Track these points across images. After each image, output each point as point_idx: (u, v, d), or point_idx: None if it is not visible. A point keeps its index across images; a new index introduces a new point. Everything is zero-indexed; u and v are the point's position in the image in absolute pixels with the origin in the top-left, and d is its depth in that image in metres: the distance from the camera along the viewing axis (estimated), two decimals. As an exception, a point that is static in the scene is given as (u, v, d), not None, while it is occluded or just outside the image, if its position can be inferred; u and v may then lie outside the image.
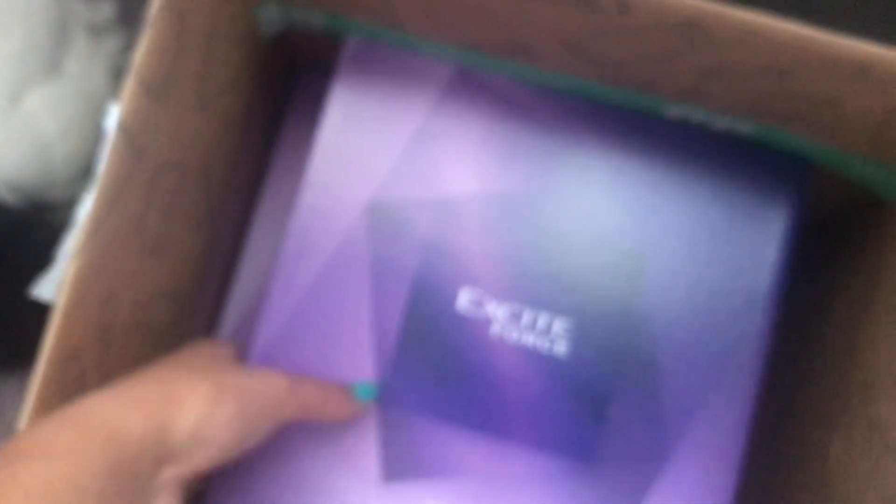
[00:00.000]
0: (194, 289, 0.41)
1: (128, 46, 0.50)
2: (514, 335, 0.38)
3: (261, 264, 0.48)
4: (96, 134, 0.46)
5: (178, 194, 0.36)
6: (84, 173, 0.45)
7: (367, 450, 0.38)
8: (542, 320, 0.38)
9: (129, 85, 0.29)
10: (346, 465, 0.38)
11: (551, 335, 0.38)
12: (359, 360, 0.38)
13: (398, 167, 0.39)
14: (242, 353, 0.37)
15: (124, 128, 0.29)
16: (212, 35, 0.34)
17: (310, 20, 0.40)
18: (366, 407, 0.37)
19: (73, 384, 0.31)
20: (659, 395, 0.38)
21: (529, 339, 0.38)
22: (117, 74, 0.48)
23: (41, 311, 0.47)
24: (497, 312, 0.38)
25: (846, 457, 0.37)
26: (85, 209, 0.30)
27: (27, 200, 0.45)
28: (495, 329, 0.39)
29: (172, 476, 0.27)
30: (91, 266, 0.30)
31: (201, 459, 0.28)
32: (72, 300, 0.29)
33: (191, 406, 0.28)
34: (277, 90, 0.47)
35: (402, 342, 0.38)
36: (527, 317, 0.38)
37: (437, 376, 0.38)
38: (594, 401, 0.38)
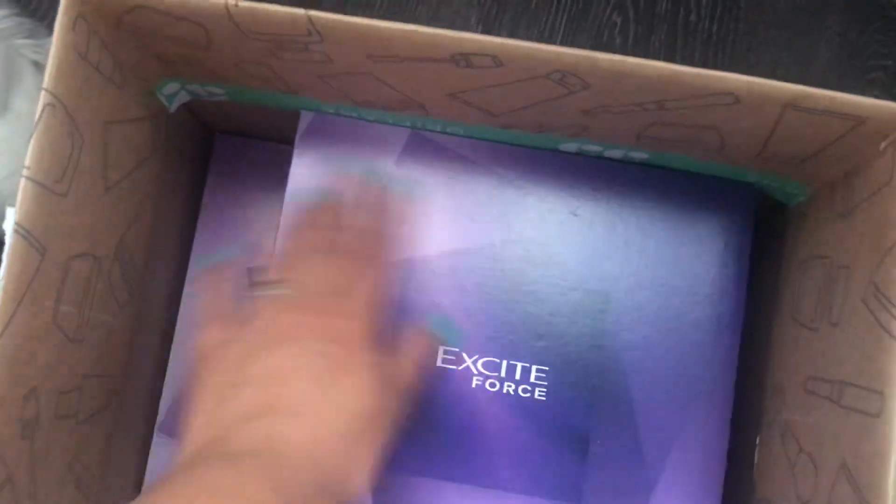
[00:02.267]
0: (124, 369, 0.42)
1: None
2: (493, 385, 0.39)
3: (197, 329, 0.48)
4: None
5: (93, 280, 0.36)
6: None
7: None
8: (520, 369, 0.39)
9: (24, 186, 0.30)
10: None
11: (529, 382, 0.39)
12: None
13: None
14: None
15: (21, 230, 0.30)
16: (108, 122, 0.35)
17: (210, 92, 0.41)
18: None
19: (0, 485, 0.31)
20: (637, 427, 0.39)
21: (510, 388, 0.39)
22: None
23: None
24: (475, 366, 0.40)
25: (767, 460, 0.38)
26: (-8, 312, 0.30)
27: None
28: (476, 381, 0.40)
29: None
30: (5, 366, 0.30)
31: None
32: (-12, 403, 0.29)
33: (353, 481, 0.29)
34: (194, 156, 0.48)
35: None
36: (505, 367, 0.40)
37: (422, 433, 0.39)
38: (576, 440, 0.39)
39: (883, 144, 0.31)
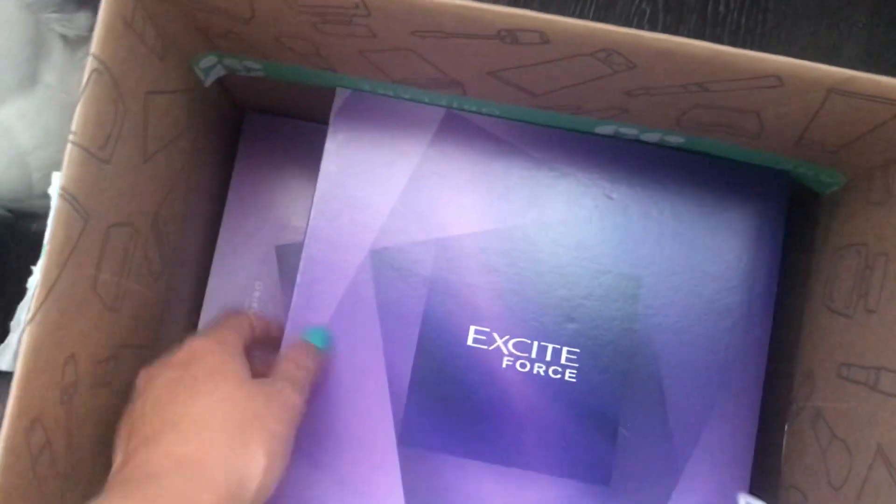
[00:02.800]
0: (157, 339, 0.42)
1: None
2: (524, 366, 0.39)
3: (224, 306, 0.48)
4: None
5: (131, 249, 0.36)
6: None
7: (391, 491, 0.39)
8: (551, 350, 0.39)
9: (69, 151, 0.30)
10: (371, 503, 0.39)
11: (560, 363, 0.40)
12: (374, 404, 0.39)
13: (397, 212, 0.40)
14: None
15: (66, 195, 0.30)
16: (149, 92, 0.35)
17: (247, 67, 0.41)
18: (326, 352, 0.39)
19: (38, 450, 0.31)
20: (667, 411, 0.39)
21: (540, 369, 0.39)
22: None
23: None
24: (506, 346, 0.40)
25: (797, 447, 0.38)
26: (35, 276, 0.30)
27: (7, 209, 0.45)
28: (506, 362, 0.39)
29: None
30: (46, 331, 0.30)
31: None
32: (28, 366, 0.30)
33: (253, 479, 0.31)
34: (225, 133, 0.48)
35: (415, 383, 0.39)
36: (535, 349, 0.39)
37: (453, 413, 0.39)
38: (606, 423, 0.39)
39: None
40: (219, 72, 0.42)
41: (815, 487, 0.35)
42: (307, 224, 0.40)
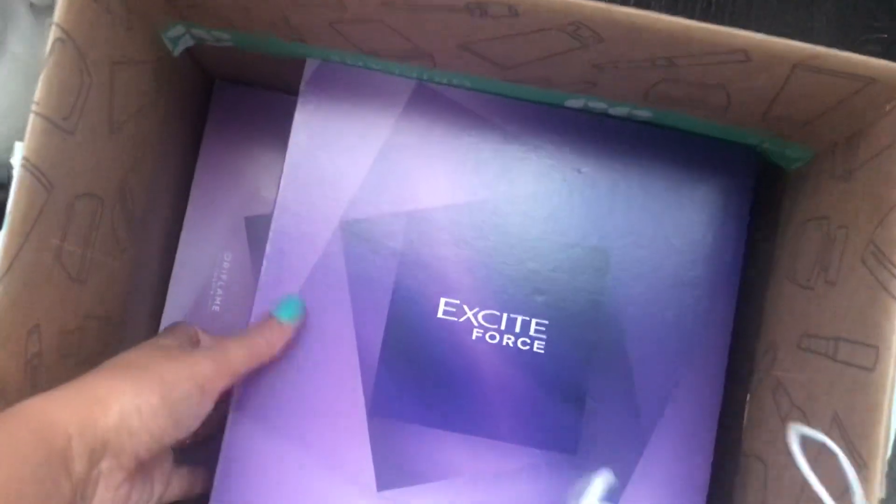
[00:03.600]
0: (124, 311, 0.42)
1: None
2: (493, 338, 0.40)
3: (193, 277, 0.48)
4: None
5: (97, 220, 0.36)
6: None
7: (361, 461, 0.39)
8: (520, 322, 0.40)
9: (32, 122, 0.30)
10: (342, 477, 0.39)
11: (529, 335, 0.40)
12: (345, 375, 0.39)
13: (368, 184, 0.40)
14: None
15: (28, 165, 0.29)
16: (116, 62, 0.35)
17: (215, 37, 0.40)
18: (294, 325, 0.39)
19: (4, 420, 0.31)
20: (633, 382, 0.40)
21: (509, 341, 0.40)
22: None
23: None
24: (476, 318, 0.40)
25: (758, 416, 0.39)
26: (-2, 247, 0.30)
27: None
28: (476, 333, 0.40)
29: (109, 466, 0.30)
30: (8, 301, 0.30)
31: (136, 448, 0.31)
32: (-6, 338, 0.29)
33: (113, 402, 0.30)
34: (194, 103, 0.47)
35: (385, 354, 0.39)
36: (505, 320, 0.40)
37: (423, 383, 0.40)
38: (574, 394, 0.39)
39: (889, 105, 0.32)
40: (187, 42, 0.41)
41: (774, 455, 0.36)
42: (276, 195, 0.40)
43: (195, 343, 0.40)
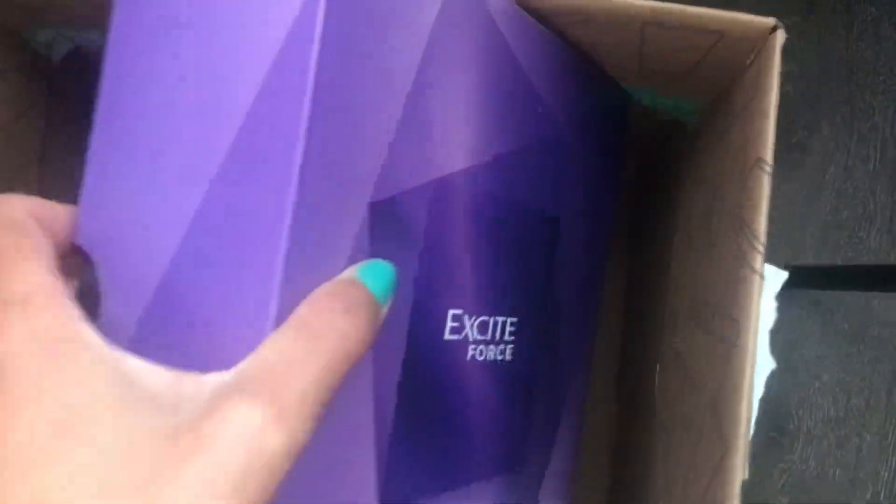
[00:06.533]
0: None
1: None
2: (482, 354, 0.31)
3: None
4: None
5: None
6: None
7: None
8: (498, 326, 0.31)
9: None
10: None
11: (504, 340, 0.32)
12: (355, 450, 0.26)
13: (397, 144, 0.25)
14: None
15: None
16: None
17: (90, 40, 0.40)
18: (388, 307, 0.23)
19: None
20: (560, 361, 0.36)
21: (492, 354, 0.31)
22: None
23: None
24: (473, 330, 0.30)
25: (664, 385, 0.37)
26: None
27: None
28: (471, 352, 0.30)
29: None
30: None
31: None
32: None
33: None
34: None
35: (400, 412, 0.27)
36: (491, 327, 0.31)
37: (439, 443, 0.29)
38: (529, 402, 0.34)
39: (748, 60, 0.29)
40: (66, 46, 0.41)
41: (674, 427, 0.35)
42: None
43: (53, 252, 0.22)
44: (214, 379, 0.20)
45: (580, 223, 0.35)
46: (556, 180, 0.33)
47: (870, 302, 0.48)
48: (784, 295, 0.47)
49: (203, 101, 0.23)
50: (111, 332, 0.21)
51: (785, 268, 0.47)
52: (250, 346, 0.20)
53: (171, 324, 0.22)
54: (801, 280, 0.47)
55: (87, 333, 0.19)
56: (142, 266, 0.23)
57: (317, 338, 0.20)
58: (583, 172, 0.35)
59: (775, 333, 0.47)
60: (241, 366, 0.20)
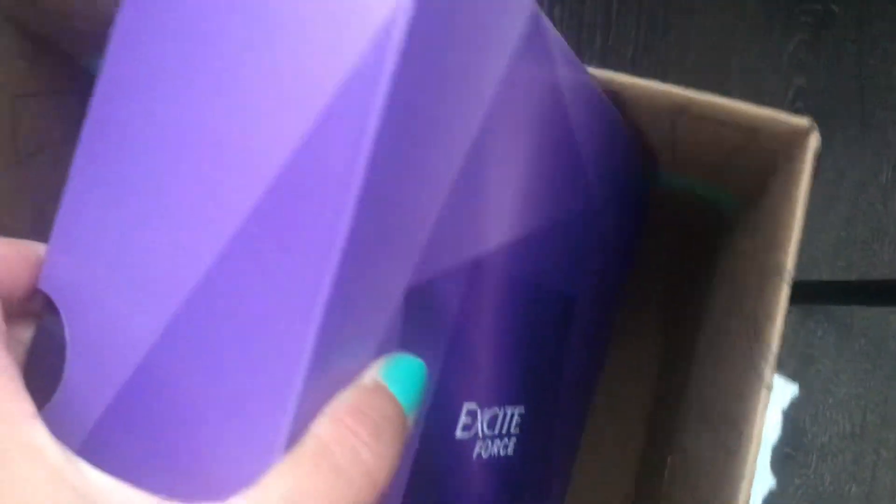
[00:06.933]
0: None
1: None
2: (486, 450, 0.27)
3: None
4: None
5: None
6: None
7: None
8: (507, 419, 0.28)
9: None
10: None
11: (510, 432, 0.28)
12: None
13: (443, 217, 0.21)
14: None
15: None
16: (18, 95, 0.35)
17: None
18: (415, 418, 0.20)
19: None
20: (553, 454, 0.33)
21: (495, 448, 0.27)
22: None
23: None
24: (483, 426, 0.26)
25: (672, 478, 0.36)
26: None
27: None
28: (478, 449, 0.26)
29: None
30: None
31: None
32: None
33: None
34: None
35: None
36: (500, 420, 0.27)
37: None
38: (520, 501, 0.30)
39: (782, 159, 0.29)
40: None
41: None
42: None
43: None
44: None
45: (592, 306, 0.33)
46: (578, 258, 0.30)
47: (886, 317, 0.48)
48: (799, 310, 0.48)
49: (228, 144, 0.18)
50: (69, 412, 0.17)
51: (799, 283, 0.47)
52: (257, 461, 0.16)
53: (149, 420, 0.18)
54: (816, 295, 0.48)
55: (42, 437, 0.15)
56: (120, 336, 0.18)
57: (340, 474, 0.16)
58: (603, 251, 0.33)
59: (791, 348, 0.48)
60: (253, 497, 0.16)
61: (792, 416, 0.46)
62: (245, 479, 0.16)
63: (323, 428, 0.17)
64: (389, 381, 0.19)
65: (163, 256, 0.18)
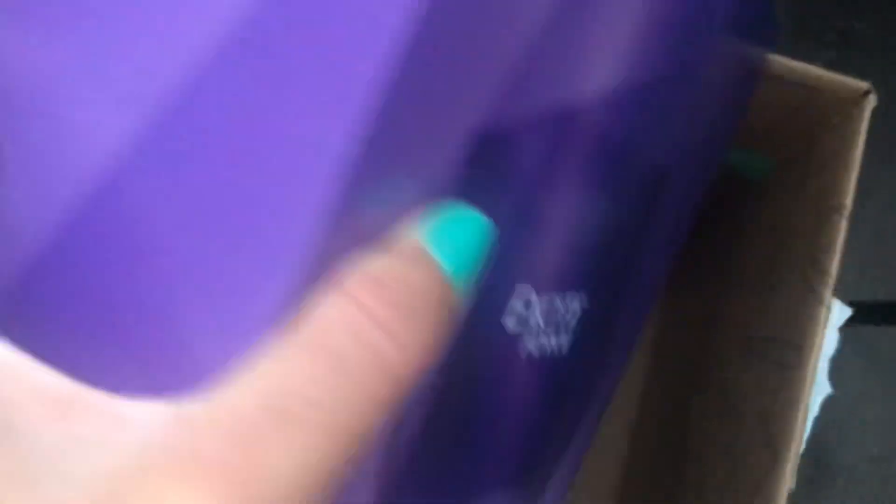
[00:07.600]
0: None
1: None
2: (542, 349, 0.22)
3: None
4: None
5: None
6: None
7: None
8: (566, 308, 0.22)
9: None
10: None
11: (567, 327, 0.23)
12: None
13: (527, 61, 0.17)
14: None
15: None
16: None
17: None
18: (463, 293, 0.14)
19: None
20: (611, 358, 0.27)
21: (549, 346, 0.22)
22: None
23: None
24: (540, 317, 0.21)
25: (700, 415, 0.40)
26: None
27: None
28: (531, 346, 0.21)
29: None
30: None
31: None
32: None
33: None
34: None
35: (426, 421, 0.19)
36: (557, 311, 0.22)
37: (458, 454, 0.21)
38: (565, 408, 0.25)
39: (836, 118, 0.32)
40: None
41: (713, 448, 0.37)
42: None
43: None
44: (162, 416, 0.11)
45: (687, 184, 0.27)
46: (676, 122, 0.24)
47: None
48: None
49: None
50: None
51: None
52: (236, 343, 0.11)
53: (97, 271, 0.11)
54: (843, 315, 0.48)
55: None
56: (72, 144, 0.11)
57: (344, 370, 0.11)
58: (704, 118, 0.26)
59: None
60: (218, 398, 0.11)
61: (818, 438, 0.47)
62: (217, 367, 0.11)
63: (329, 305, 0.11)
64: (437, 243, 0.13)
65: (147, 40, 0.11)
